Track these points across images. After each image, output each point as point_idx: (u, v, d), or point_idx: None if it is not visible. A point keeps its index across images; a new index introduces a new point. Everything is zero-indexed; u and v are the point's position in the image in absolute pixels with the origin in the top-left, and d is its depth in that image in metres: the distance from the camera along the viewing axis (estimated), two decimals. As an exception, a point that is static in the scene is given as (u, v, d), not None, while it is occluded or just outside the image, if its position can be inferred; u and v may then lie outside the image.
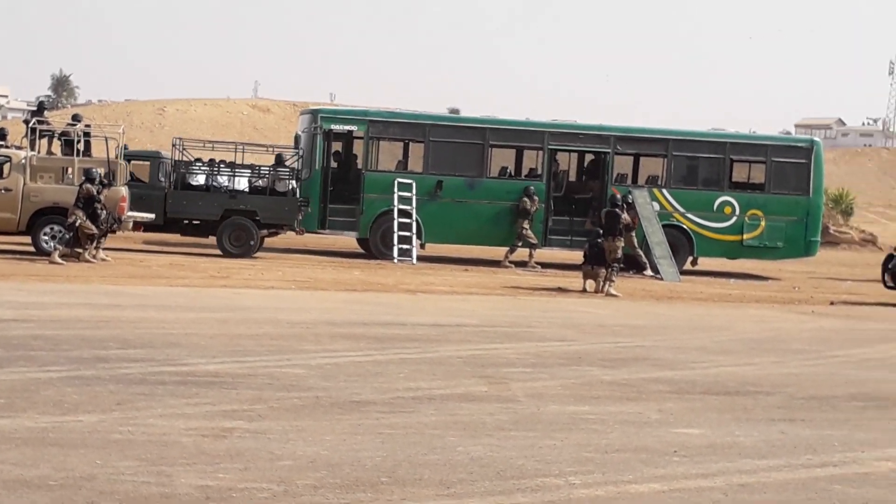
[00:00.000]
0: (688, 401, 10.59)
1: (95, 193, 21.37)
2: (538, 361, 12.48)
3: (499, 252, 26.73)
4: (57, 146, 23.95)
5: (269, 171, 25.07)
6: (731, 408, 10.33)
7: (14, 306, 14.40)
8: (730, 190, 27.34)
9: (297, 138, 27.43)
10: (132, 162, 25.20)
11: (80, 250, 21.29)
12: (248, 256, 24.30)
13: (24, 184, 22.00)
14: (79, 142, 23.24)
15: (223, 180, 24.95)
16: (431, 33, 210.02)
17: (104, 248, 21.98)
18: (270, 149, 26.63)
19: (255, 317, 14.84)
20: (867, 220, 58.96)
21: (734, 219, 27.07)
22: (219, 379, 10.18)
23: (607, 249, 21.69)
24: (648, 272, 25.75)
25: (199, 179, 25.03)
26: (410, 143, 28.07)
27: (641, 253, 25.95)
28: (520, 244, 26.25)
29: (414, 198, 26.13)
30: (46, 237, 21.97)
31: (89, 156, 23.52)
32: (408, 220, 26.00)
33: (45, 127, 24.15)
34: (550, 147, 27.13)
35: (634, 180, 27.80)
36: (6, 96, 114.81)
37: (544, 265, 26.53)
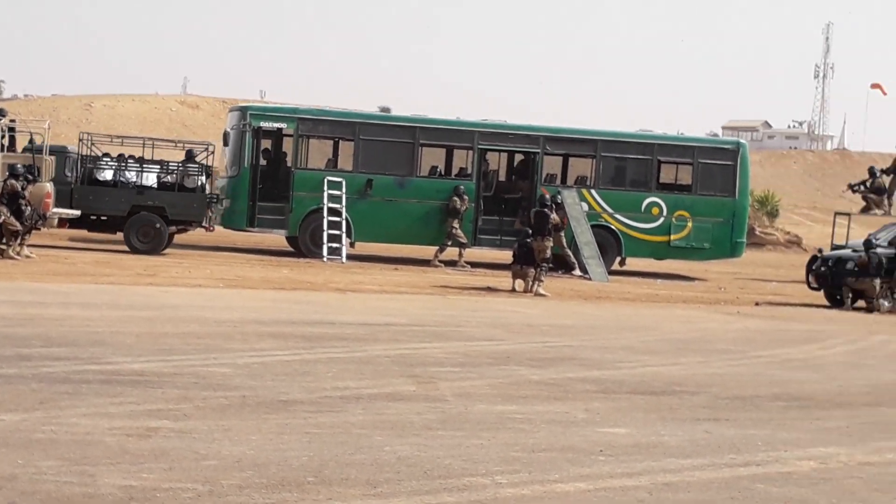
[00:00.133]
0: (614, 400, 10.67)
1: (20, 189, 21.08)
2: (466, 361, 12.50)
3: (428, 251, 26.75)
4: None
5: (178, 166, 24.79)
6: (656, 407, 10.42)
7: (-65, 303, 14.17)
8: (657, 191, 27.57)
9: (225, 135, 27.24)
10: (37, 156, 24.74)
11: (3, 247, 20.98)
12: (156, 253, 23.95)
13: (-53, 179, 21.64)
14: (3, 137, 22.91)
15: (131, 176, 24.59)
16: (364, 31, 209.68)
17: (28, 245, 21.68)
18: (180, 144, 26.25)
19: (181, 315, 14.72)
20: (792, 221, 59.74)
21: (661, 220, 27.30)
22: (144, 378, 10.08)
23: (536, 249, 21.81)
24: (577, 272, 25.90)
25: (107, 175, 24.65)
26: (340, 142, 28.00)
27: (570, 253, 26.10)
28: (449, 243, 26.29)
29: (344, 196, 26.06)
30: (-31, 234, 21.60)
31: (14, 151, 23.20)
32: (337, 219, 25.93)
33: (-32, 122, 23.77)
34: (480, 147, 27.20)
35: (563, 180, 27.94)
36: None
37: (474, 264, 26.60)
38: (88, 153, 24.62)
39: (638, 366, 12.98)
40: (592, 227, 26.59)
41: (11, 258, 20.78)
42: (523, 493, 7.08)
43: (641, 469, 7.92)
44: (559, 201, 25.59)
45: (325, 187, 26.04)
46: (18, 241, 21.16)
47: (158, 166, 24.81)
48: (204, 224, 24.60)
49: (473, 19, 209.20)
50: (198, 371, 10.60)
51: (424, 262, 26.42)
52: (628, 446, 8.65)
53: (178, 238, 25.75)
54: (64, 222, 23.93)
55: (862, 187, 28.11)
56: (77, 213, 23.50)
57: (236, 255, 26.18)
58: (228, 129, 27.25)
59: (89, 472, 6.89)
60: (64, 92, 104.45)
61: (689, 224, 27.30)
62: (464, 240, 26.32)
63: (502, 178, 28.74)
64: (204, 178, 24.65)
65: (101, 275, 19.51)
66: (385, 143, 27.02)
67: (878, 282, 22.32)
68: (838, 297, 22.93)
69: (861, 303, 22.65)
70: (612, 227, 27.10)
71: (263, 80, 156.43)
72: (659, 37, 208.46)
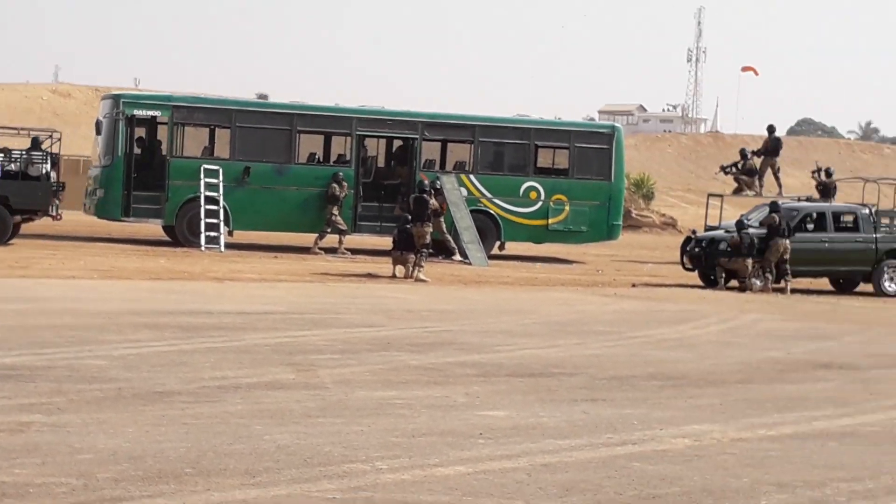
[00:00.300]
0: (493, 384, 10.75)
1: None
2: (346, 348, 12.48)
3: (308, 239, 26.61)
4: None
5: (21, 154, 24.19)
6: (535, 389, 10.53)
7: None
8: (535, 175, 27.80)
9: (98, 124, 26.74)
10: None
11: None
12: (1, 243, 23.34)
13: None
14: None
15: None
16: (240, 16, 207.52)
17: None
18: (24, 131, 25.60)
19: (54, 307, 14.45)
20: (667, 203, 60.67)
21: (539, 204, 27.54)
22: (16, 372, 9.88)
23: (416, 235, 21.86)
24: (457, 257, 26.02)
25: None
26: (217, 129, 27.69)
27: (450, 238, 26.20)
28: (329, 230, 26.20)
29: (221, 184, 25.80)
30: None
31: None
32: (215, 207, 25.65)
33: None
34: (359, 133, 27.14)
35: (442, 166, 28.02)
36: None
37: (354, 251, 26.54)
38: None
39: (516, 349, 13.10)
40: (472, 212, 26.72)
41: None
42: (403, 479, 7.11)
43: (520, 451, 8.01)
44: (438, 187, 25.65)
45: (202, 175, 25.73)
46: None
47: (1, 154, 24.09)
48: (51, 213, 23.97)
49: (344, 4, 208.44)
50: (72, 364, 10.42)
51: (304, 250, 26.29)
52: (507, 429, 8.73)
53: (51, 229, 25.22)
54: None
55: (734, 169, 28.62)
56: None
57: (112, 245, 25.72)
58: (101, 118, 26.77)
59: (-41, 469, 6.73)
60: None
61: (567, 208, 27.59)
62: (343, 227, 26.24)
63: (381, 164, 28.70)
64: (49, 166, 24.02)
65: (-30, 268, 19.04)
66: (262, 130, 26.80)
67: (749, 261, 22.80)
68: (712, 277, 23.37)
69: (734, 282, 23.12)
70: (491, 211, 27.26)
71: (138, 69, 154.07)
72: (537, 22, 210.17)
